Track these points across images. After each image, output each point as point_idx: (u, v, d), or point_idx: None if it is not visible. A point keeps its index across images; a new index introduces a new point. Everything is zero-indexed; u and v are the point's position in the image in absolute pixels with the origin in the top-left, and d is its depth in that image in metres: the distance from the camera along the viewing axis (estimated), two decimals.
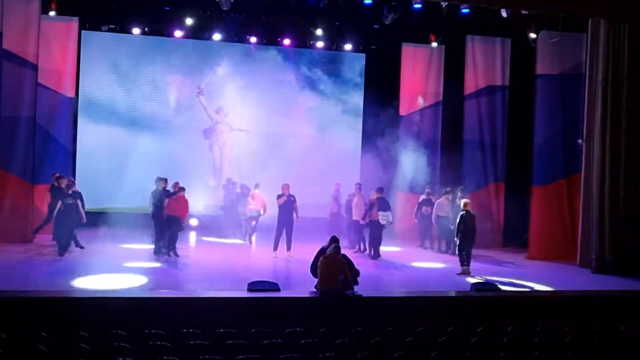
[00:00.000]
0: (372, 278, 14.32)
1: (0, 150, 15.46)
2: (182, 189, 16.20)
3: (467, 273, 15.25)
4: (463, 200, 16.02)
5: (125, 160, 20.10)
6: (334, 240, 12.42)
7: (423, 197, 19.14)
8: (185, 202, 16.14)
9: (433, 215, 18.38)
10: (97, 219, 18.53)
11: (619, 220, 16.53)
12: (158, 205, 16.09)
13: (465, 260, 15.43)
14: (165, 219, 15.90)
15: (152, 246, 16.20)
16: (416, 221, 19.18)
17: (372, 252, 17.07)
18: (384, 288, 13.92)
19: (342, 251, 12.46)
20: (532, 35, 17.88)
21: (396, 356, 8.89)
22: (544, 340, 10.09)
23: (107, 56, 20.21)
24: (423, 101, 20.62)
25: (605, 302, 13.37)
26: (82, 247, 16.02)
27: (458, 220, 15.59)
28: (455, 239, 15.67)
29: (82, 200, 16.14)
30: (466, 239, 15.42)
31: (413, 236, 19.60)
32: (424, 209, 18.75)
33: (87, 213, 16.50)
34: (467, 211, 15.54)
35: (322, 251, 12.40)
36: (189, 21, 18.95)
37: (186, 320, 10.54)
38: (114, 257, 15.44)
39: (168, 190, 16.37)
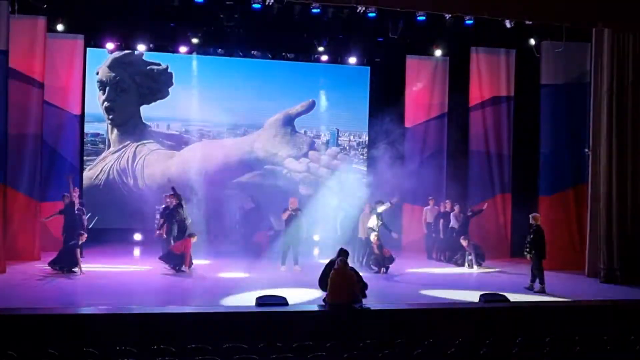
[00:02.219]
0: (380, 290, 14.34)
1: (7, 168, 15.47)
2: (192, 235, 16.29)
3: (544, 291, 14.83)
4: (533, 215, 15.51)
5: (133, 178, 20.25)
6: (343, 253, 12.40)
7: (436, 208, 19.19)
8: (188, 246, 16.13)
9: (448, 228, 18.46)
10: (104, 236, 18.65)
11: (627, 229, 16.48)
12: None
13: (540, 277, 14.98)
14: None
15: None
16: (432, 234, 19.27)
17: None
18: (393, 300, 13.87)
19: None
20: (534, 43, 17.89)
21: None
22: (554, 351, 10.04)
23: (112, 73, 20.31)
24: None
25: (614, 311, 13.33)
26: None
27: (532, 236, 15.10)
28: (530, 255, 15.08)
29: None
30: (542, 255, 15.09)
31: (420, 248, 19.61)
32: (441, 221, 18.80)
33: (93, 230, 16.61)
34: (539, 225, 15.19)
35: (330, 264, 12.38)
36: (194, 39, 19.04)
37: (194, 336, 10.55)
38: (115, 274, 15.59)
39: (167, 208, 16.73)
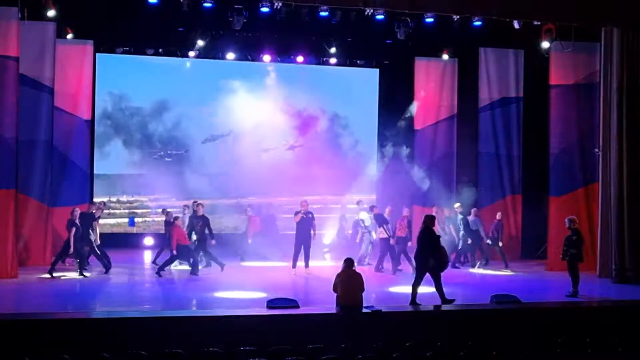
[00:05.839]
0: (391, 292, 14.32)
1: (18, 173, 15.54)
2: (176, 218, 16.47)
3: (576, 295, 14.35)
4: (571, 217, 14.93)
5: (142, 183, 20.36)
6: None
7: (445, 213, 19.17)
8: (179, 230, 16.25)
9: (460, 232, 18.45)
10: (113, 240, 18.72)
11: (639, 229, 16.41)
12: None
13: (575, 280, 14.40)
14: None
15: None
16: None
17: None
18: (404, 302, 13.84)
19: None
20: (545, 46, 17.87)
21: None
22: (566, 352, 10.01)
23: (122, 78, 20.39)
24: None
25: (626, 312, 13.26)
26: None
27: (575, 239, 14.48)
28: (567, 259, 14.55)
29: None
30: (580, 258, 14.52)
31: None
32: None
33: (103, 234, 16.78)
34: (577, 228, 14.68)
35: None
36: (202, 42, 19.10)
37: (206, 339, 10.55)
38: (124, 276, 15.77)
39: (169, 221, 16.89)
